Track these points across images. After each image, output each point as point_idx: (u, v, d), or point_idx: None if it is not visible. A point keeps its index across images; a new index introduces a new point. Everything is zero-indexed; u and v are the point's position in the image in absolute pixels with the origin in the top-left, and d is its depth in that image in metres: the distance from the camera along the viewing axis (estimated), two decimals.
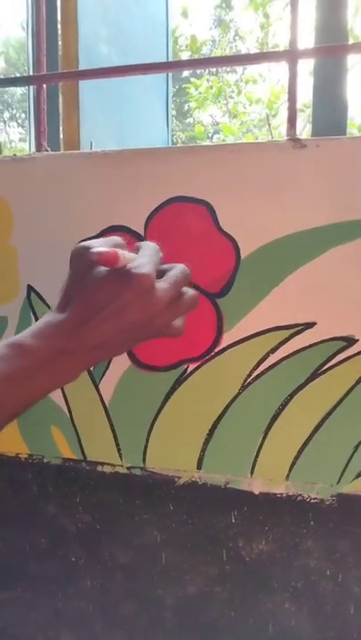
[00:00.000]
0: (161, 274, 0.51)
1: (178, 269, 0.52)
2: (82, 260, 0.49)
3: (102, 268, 0.47)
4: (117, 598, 0.77)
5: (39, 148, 0.77)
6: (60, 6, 1.28)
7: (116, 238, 0.51)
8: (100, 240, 0.50)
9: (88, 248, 0.47)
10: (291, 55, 0.67)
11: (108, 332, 0.46)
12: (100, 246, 0.48)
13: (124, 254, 0.47)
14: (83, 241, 0.71)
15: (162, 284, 0.48)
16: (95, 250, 0.45)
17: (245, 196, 0.65)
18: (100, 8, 1.57)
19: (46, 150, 0.77)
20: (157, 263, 0.50)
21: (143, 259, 0.48)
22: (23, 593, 0.82)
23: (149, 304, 0.46)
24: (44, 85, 0.77)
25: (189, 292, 0.52)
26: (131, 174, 0.69)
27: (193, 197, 0.67)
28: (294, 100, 0.68)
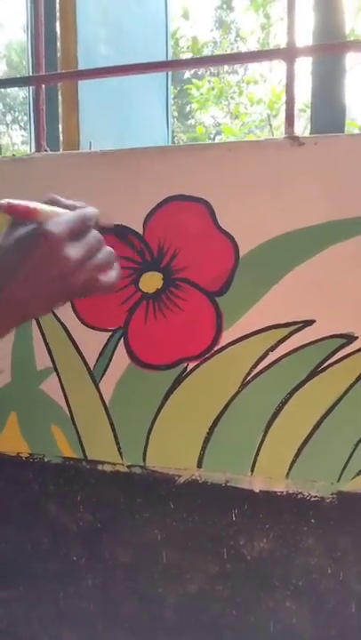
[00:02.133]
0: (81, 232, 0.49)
1: (93, 233, 0.50)
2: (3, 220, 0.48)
3: (21, 225, 0.47)
4: (118, 597, 0.77)
5: (38, 148, 0.77)
6: (58, 7, 1.28)
7: (51, 197, 0.51)
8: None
9: (9, 205, 0.47)
10: (288, 53, 0.67)
11: (21, 291, 0.46)
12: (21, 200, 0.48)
13: (45, 210, 0.47)
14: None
15: (74, 244, 0.47)
16: (4, 201, 0.45)
17: (244, 195, 0.66)
18: (100, 8, 1.57)
19: (45, 151, 0.77)
20: (77, 224, 0.48)
21: (60, 217, 0.47)
22: (25, 592, 0.82)
23: (59, 262, 0.46)
24: (43, 86, 0.78)
25: (106, 248, 0.51)
26: (129, 173, 0.69)
27: (191, 196, 0.67)
28: (292, 98, 0.68)
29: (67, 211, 0.50)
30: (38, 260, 0.45)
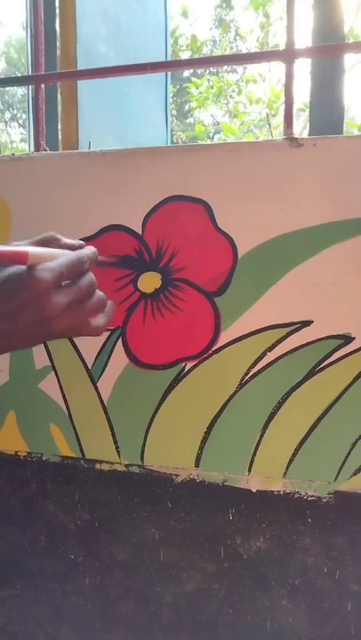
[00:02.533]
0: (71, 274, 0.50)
1: (86, 279, 0.51)
2: None
3: (12, 265, 0.47)
4: (116, 595, 0.78)
5: (37, 147, 0.77)
6: (58, 5, 1.28)
7: (49, 235, 0.52)
8: (27, 241, 0.51)
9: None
10: (287, 54, 0.67)
11: (3, 328, 0.47)
12: (22, 244, 0.48)
13: (37, 253, 0.47)
14: (83, 240, 0.72)
15: (62, 290, 0.48)
16: None
17: (243, 195, 0.66)
18: (100, 7, 1.57)
19: (45, 150, 0.77)
20: (69, 269, 0.49)
21: (52, 262, 0.48)
22: (23, 590, 0.82)
23: (44, 307, 0.46)
24: (43, 85, 0.78)
25: (97, 294, 0.52)
26: (128, 173, 0.70)
27: (190, 196, 0.67)
28: (291, 99, 0.69)
29: (63, 251, 0.50)
30: (24, 303, 0.46)
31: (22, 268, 0.46)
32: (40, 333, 0.49)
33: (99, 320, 0.53)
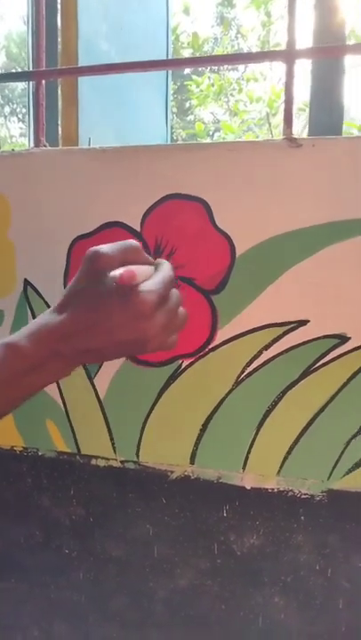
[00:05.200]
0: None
1: (175, 297, 0.51)
2: (93, 267, 0.48)
3: (110, 281, 0.47)
4: (110, 590, 0.78)
5: (37, 143, 0.77)
6: (60, 1, 1.28)
7: (132, 243, 0.50)
8: (118, 246, 0.49)
9: (102, 256, 0.47)
10: (288, 55, 0.67)
11: (99, 344, 0.47)
12: (114, 251, 0.47)
13: (139, 272, 0.47)
14: (82, 237, 0.72)
15: (161, 311, 0.48)
16: (115, 273, 0.45)
17: (241, 195, 0.66)
18: (101, 4, 1.57)
19: (44, 146, 0.77)
20: (166, 288, 0.49)
21: (154, 282, 0.48)
22: (17, 584, 0.83)
23: (145, 329, 0.46)
24: (43, 81, 0.78)
25: (181, 311, 0.52)
26: (128, 171, 0.70)
27: (189, 195, 0.68)
28: (291, 99, 0.69)
29: (152, 267, 0.50)
30: (126, 321, 0.46)
31: (116, 286, 0.46)
32: (133, 350, 0.49)
33: (174, 335, 0.53)
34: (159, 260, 0.53)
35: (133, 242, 0.51)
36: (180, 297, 0.52)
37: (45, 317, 0.50)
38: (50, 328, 0.48)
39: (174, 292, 0.51)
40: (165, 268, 0.51)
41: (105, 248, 0.48)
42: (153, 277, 0.49)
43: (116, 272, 0.45)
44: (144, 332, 0.47)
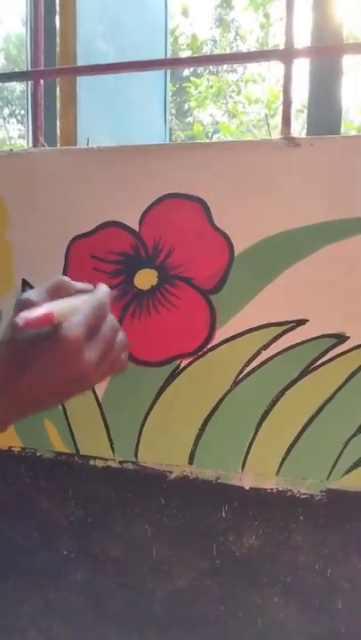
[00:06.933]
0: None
1: (109, 324, 0.48)
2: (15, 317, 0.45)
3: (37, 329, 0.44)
4: (108, 591, 0.78)
5: (36, 143, 0.77)
6: (58, 2, 1.28)
7: (57, 280, 0.48)
8: (44, 288, 0.48)
9: (25, 302, 0.45)
10: (286, 55, 0.67)
11: (34, 390, 0.46)
12: (36, 297, 0.46)
13: (59, 311, 0.45)
14: (80, 237, 0.72)
15: (92, 343, 0.46)
16: (22, 318, 0.42)
17: (239, 194, 0.66)
18: (99, 5, 1.57)
19: (43, 146, 0.77)
20: (95, 319, 0.47)
21: (77, 317, 0.45)
22: (15, 585, 0.83)
23: (77, 364, 0.45)
24: (42, 81, 0.78)
25: (120, 335, 0.50)
26: (126, 171, 0.70)
27: (187, 194, 0.67)
28: (289, 99, 0.69)
29: (81, 299, 0.47)
30: (58, 363, 0.44)
31: (48, 329, 0.44)
32: (75, 388, 0.47)
33: (122, 359, 0.51)
34: (98, 285, 0.51)
35: (60, 278, 0.49)
36: (115, 322, 0.49)
37: None
38: None
39: (109, 319, 0.49)
40: (96, 297, 0.48)
41: (28, 294, 0.46)
42: (80, 310, 0.46)
43: (19, 318, 0.43)
44: (78, 368, 0.45)
